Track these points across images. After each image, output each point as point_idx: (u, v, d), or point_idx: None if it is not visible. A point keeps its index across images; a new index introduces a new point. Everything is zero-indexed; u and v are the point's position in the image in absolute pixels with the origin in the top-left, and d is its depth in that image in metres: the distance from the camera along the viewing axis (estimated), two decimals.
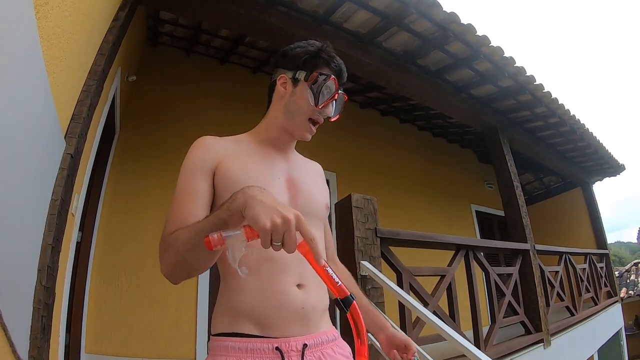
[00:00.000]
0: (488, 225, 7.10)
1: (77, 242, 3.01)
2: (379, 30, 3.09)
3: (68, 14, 1.28)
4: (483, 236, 6.74)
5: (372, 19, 3.00)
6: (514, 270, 3.88)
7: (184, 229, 0.75)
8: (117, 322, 3.19)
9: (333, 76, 0.95)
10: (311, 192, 0.98)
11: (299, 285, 0.85)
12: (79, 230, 3.04)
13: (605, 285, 6.34)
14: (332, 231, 1.30)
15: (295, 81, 0.97)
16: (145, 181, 3.59)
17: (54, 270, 1.50)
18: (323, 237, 1.02)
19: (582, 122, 5.07)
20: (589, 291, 5.49)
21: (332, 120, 1.01)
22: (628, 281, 10.93)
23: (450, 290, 2.91)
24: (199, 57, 4.46)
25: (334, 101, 0.98)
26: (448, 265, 2.99)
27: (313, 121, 0.97)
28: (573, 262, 5.22)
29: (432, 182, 6.33)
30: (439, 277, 2.88)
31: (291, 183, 0.95)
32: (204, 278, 3.61)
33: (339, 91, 0.98)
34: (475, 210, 6.91)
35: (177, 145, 4.07)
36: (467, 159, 7.46)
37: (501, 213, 7.12)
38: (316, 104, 0.94)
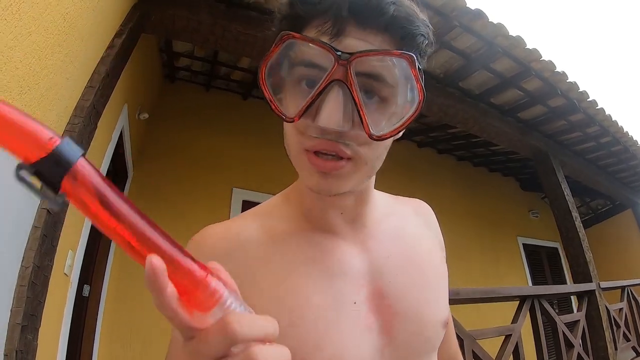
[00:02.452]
0: (537, 258, 6.48)
1: (84, 297, 2.74)
2: None
3: (26, 31, 0.97)
4: (533, 271, 6.18)
5: None
6: (581, 315, 3.37)
7: None
8: None
9: (303, 37, 0.41)
10: (418, 306, 0.51)
11: None
12: (87, 284, 2.79)
13: None
14: None
15: None
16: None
17: (28, 354, 1.28)
18: None
19: (634, 138, 4.59)
20: None
21: (380, 137, 0.42)
22: None
23: (517, 352, 2.44)
24: (219, 92, 4.21)
25: (331, 85, 0.40)
26: (512, 322, 2.52)
27: (316, 152, 0.44)
28: (635, 294, 4.66)
29: (475, 216, 5.80)
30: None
31: (379, 300, 0.50)
32: None
33: (337, 52, 0.39)
34: (523, 244, 6.34)
35: (196, 188, 3.89)
36: (510, 188, 6.89)
37: (549, 244, 6.70)
38: (287, 117, 0.42)
